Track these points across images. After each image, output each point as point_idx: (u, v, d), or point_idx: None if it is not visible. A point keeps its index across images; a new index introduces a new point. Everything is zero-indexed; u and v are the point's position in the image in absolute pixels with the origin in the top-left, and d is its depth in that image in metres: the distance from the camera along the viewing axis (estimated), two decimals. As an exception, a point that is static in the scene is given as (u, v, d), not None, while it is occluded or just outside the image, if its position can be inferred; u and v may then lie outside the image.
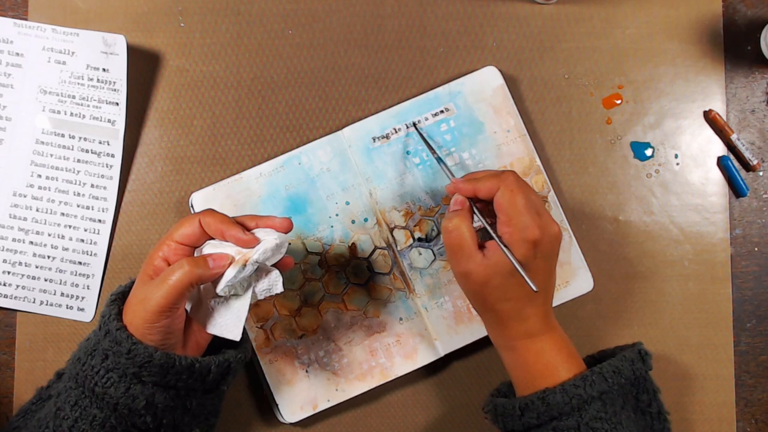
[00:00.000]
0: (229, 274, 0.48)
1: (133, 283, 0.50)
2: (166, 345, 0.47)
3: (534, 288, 0.48)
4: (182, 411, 0.49)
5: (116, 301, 0.49)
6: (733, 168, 0.65)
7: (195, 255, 0.50)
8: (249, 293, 0.50)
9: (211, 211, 0.50)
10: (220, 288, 0.48)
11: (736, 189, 0.65)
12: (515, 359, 0.53)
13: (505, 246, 0.50)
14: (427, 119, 0.62)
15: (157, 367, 0.46)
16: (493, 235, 0.51)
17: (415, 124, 0.61)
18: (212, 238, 0.50)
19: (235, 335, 0.49)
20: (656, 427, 0.54)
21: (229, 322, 0.50)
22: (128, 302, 0.49)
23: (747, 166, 0.65)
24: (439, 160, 0.59)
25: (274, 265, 0.51)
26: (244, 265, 0.48)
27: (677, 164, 0.65)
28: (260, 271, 0.50)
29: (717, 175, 0.65)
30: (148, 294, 0.46)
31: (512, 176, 0.52)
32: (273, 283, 0.50)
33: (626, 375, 0.52)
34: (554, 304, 0.57)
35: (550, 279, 0.53)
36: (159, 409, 0.47)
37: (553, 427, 0.49)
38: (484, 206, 0.53)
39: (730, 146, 0.65)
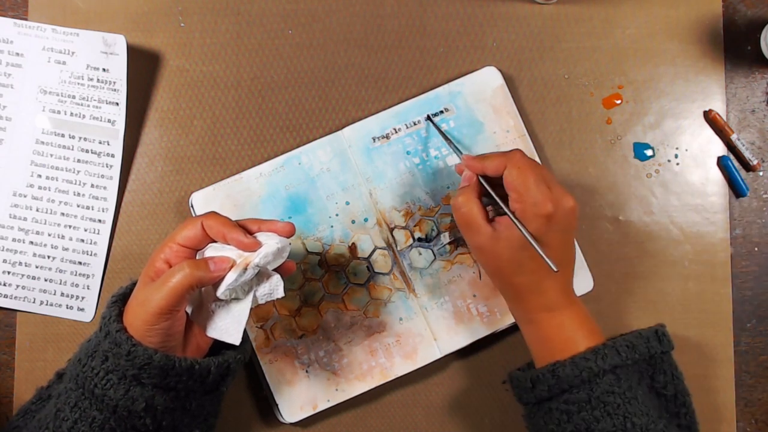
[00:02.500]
0: (230, 277, 0.48)
1: (134, 284, 0.50)
2: (167, 347, 0.47)
3: (553, 267, 0.48)
4: (182, 412, 0.49)
5: (117, 302, 0.49)
6: (733, 168, 0.65)
7: (197, 258, 0.50)
8: (250, 297, 0.50)
9: (213, 214, 0.50)
10: (221, 291, 0.48)
11: (736, 189, 0.65)
12: (535, 333, 0.53)
13: (519, 221, 0.50)
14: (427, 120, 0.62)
15: (156, 369, 0.46)
16: (506, 210, 0.51)
17: (429, 117, 0.62)
18: (214, 241, 0.50)
19: (235, 339, 0.49)
20: (671, 409, 0.53)
21: (229, 326, 0.50)
22: (129, 304, 0.49)
23: (747, 166, 0.65)
24: (457, 150, 0.59)
25: (276, 270, 0.51)
26: (245, 269, 0.48)
27: (677, 164, 0.65)
28: (261, 275, 0.50)
29: (717, 175, 0.65)
30: (149, 296, 0.46)
31: (519, 154, 0.53)
32: (274, 288, 0.50)
33: (640, 351, 0.51)
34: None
35: (568, 253, 0.53)
36: (159, 411, 0.47)
37: (564, 399, 0.49)
38: (496, 185, 0.54)
39: (730, 146, 0.65)
